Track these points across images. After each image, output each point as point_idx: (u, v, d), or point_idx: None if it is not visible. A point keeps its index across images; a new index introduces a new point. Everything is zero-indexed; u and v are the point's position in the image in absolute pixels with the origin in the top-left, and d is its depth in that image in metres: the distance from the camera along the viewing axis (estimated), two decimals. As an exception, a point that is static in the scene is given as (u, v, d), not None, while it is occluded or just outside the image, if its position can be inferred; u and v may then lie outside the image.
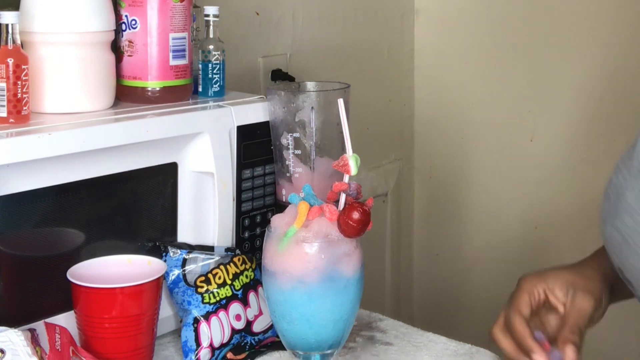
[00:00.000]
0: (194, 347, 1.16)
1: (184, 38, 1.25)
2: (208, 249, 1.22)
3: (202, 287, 1.18)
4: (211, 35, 1.31)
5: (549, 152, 2.02)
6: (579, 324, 1.07)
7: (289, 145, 1.24)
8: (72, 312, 1.08)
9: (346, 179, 0.97)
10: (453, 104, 2.16)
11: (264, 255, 1.00)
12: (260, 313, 1.22)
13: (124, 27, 1.23)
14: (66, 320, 1.09)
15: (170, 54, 1.24)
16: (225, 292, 1.19)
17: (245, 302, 1.20)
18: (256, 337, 1.21)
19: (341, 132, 1.00)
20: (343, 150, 0.98)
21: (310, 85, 1.30)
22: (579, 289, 1.11)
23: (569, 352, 1.03)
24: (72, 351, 0.97)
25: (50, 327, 0.99)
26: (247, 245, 1.29)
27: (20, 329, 0.96)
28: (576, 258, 1.17)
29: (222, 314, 1.18)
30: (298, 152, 1.24)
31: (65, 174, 1.09)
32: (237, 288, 1.20)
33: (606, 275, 1.13)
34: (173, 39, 1.24)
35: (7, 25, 1.07)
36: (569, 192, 1.98)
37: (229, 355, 1.18)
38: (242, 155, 1.26)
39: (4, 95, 1.07)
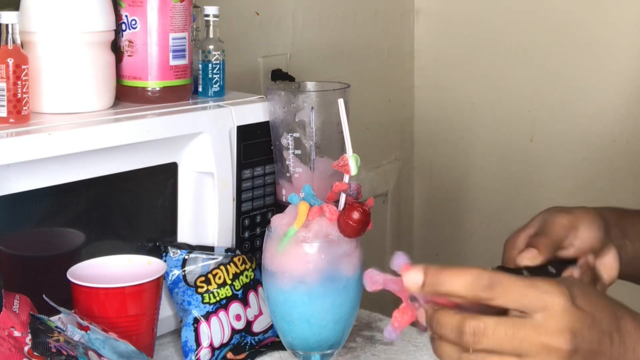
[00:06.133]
0: (194, 347, 1.16)
1: (184, 38, 1.25)
2: (208, 250, 1.22)
3: (202, 287, 1.18)
4: (211, 35, 1.31)
5: (549, 152, 2.02)
6: (549, 232, 1.02)
7: (289, 145, 1.24)
8: (72, 312, 1.08)
9: (346, 179, 0.97)
10: (453, 104, 2.16)
11: (264, 255, 1.00)
12: (260, 313, 1.22)
13: (124, 27, 1.23)
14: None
15: (170, 54, 1.24)
16: (225, 292, 1.19)
17: (245, 302, 1.20)
18: (256, 337, 1.21)
19: (341, 132, 1.00)
20: (343, 150, 0.98)
21: (310, 85, 1.30)
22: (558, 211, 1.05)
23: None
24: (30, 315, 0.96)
25: (9, 295, 0.98)
26: (247, 245, 1.29)
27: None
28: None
29: (222, 314, 1.18)
30: (298, 152, 1.24)
31: (65, 174, 1.09)
32: (237, 288, 1.20)
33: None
34: (173, 39, 1.24)
35: (7, 25, 1.07)
36: (569, 192, 1.99)
37: (229, 355, 1.18)
38: (242, 155, 1.26)
39: (4, 95, 1.07)
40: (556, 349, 0.75)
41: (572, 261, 1.07)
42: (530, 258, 1.02)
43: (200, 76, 1.31)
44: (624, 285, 1.15)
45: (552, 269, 1.05)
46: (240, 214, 1.27)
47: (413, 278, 0.78)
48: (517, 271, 1.01)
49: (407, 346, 1.24)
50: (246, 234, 1.29)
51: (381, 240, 2.14)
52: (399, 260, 0.80)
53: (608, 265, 1.08)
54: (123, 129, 1.13)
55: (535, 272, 1.01)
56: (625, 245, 1.09)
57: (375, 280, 0.83)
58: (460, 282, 0.76)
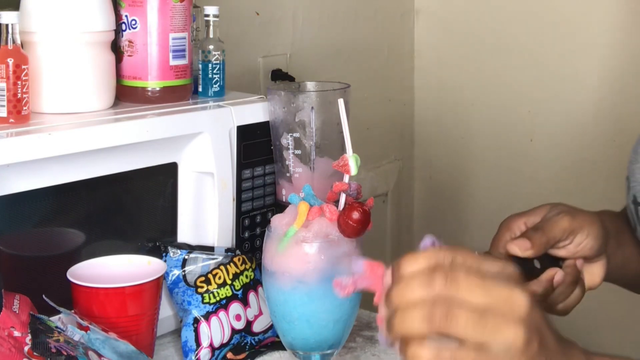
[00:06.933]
0: (194, 347, 1.16)
1: (184, 38, 1.25)
2: (208, 250, 1.22)
3: (202, 287, 1.18)
4: (211, 35, 1.31)
5: (549, 152, 2.02)
6: (547, 230, 1.01)
7: (289, 145, 1.24)
8: (72, 312, 1.08)
9: (346, 179, 0.97)
10: (453, 104, 2.16)
11: (264, 255, 1.00)
12: (260, 313, 1.22)
13: (124, 27, 1.23)
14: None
15: (170, 54, 1.24)
16: (225, 292, 1.19)
17: (245, 302, 1.20)
18: (256, 337, 1.21)
19: (341, 132, 1.00)
20: (343, 150, 0.98)
21: (310, 85, 1.30)
22: (563, 211, 1.04)
23: (519, 243, 0.99)
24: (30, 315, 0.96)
25: (9, 295, 0.98)
26: (247, 245, 1.29)
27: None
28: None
29: (222, 314, 1.18)
30: (298, 152, 1.24)
31: (65, 174, 1.09)
32: (237, 288, 1.20)
33: (605, 225, 1.06)
34: (173, 39, 1.24)
35: (7, 25, 1.07)
36: (569, 192, 1.99)
37: (229, 355, 1.18)
38: (242, 155, 1.26)
39: (4, 95, 1.07)
40: (518, 304, 0.69)
41: (559, 259, 1.07)
42: (521, 248, 1.03)
43: (200, 76, 1.31)
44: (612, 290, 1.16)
45: (537, 263, 1.06)
46: (240, 214, 1.27)
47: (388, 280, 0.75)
48: None
49: (407, 346, 1.24)
50: (246, 234, 1.29)
51: (381, 240, 2.14)
52: (356, 262, 0.80)
53: (594, 273, 1.09)
54: (123, 129, 1.13)
55: (520, 263, 1.01)
56: (616, 254, 1.10)
57: (344, 285, 0.82)
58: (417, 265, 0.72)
